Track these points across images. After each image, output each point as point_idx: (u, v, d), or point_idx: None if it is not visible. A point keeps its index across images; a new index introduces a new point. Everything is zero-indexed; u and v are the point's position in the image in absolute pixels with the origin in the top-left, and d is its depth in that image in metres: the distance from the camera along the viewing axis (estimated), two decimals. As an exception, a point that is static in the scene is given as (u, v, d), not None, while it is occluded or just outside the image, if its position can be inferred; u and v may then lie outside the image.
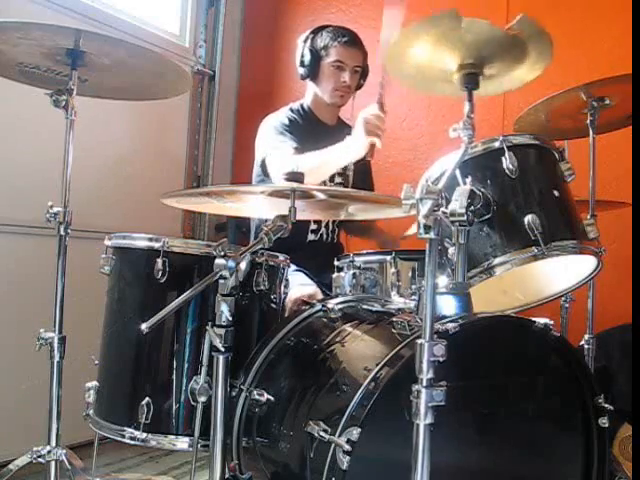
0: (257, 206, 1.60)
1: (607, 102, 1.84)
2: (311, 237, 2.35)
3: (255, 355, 1.45)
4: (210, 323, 1.24)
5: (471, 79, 1.33)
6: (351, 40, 2.28)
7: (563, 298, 2.15)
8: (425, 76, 1.43)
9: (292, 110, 2.37)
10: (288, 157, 2.08)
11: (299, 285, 2.00)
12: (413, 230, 1.62)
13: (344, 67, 2.27)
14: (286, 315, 1.76)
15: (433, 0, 2.19)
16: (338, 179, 2.38)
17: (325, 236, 2.38)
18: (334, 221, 2.37)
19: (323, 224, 2.35)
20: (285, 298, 1.88)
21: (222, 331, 1.22)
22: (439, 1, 2.57)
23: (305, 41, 2.31)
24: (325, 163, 2.01)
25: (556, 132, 1.99)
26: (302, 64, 2.30)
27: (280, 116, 2.32)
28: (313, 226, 2.33)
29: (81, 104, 1.67)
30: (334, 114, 2.43)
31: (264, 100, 3.39)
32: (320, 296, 1.93)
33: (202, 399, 1.36)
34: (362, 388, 1.15)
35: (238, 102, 3.58)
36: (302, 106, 2.40)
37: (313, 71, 2.29)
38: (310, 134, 2.29)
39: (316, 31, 2.31)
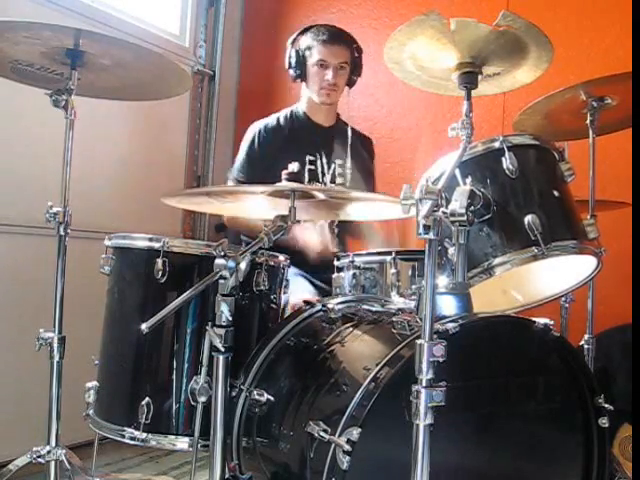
0: (257, 206, 1.59)
1: (607, 102, 1.84)
2: None
3: (255, 355, 1.45)
4: (210, 323, 1.24)
5: (469, 78, 1.33)
6: (331, 37, 2.24)
7: (563, 298, 2.15)
8: (426, 74, 1.43)
9: (278, 119, 2.37)
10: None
11: (302, 292, 1.99)
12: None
13: (327, 65, 2.25)
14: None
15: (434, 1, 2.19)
16: (339, 179, 2.38)
17: None
18: (332, 221, 2.37)
19: None
20: (286, 302, 1.88)
21: (222, 331, 1.22)
22: (440, 1, 2.56)
23: (292, 43, 2.31)
24: None
25: (556, 132, 1.99)
26: (290, 66, 2.31)
27: (259, 127, 2.34)
28: None
29: (81, 104, 1.67)
30: (330, 115, 2.41)
31: (264, 100, 3.38)
32: None
33: (202, 399, 1.36)
34: (362, 388, 1.15)
35: (238, 102, 3.57)
36: (292, 112, 2.40)
37: (301, 72, 2.29)
38: (303, 137, 2.33)
39: (302, 32, 2.30)
